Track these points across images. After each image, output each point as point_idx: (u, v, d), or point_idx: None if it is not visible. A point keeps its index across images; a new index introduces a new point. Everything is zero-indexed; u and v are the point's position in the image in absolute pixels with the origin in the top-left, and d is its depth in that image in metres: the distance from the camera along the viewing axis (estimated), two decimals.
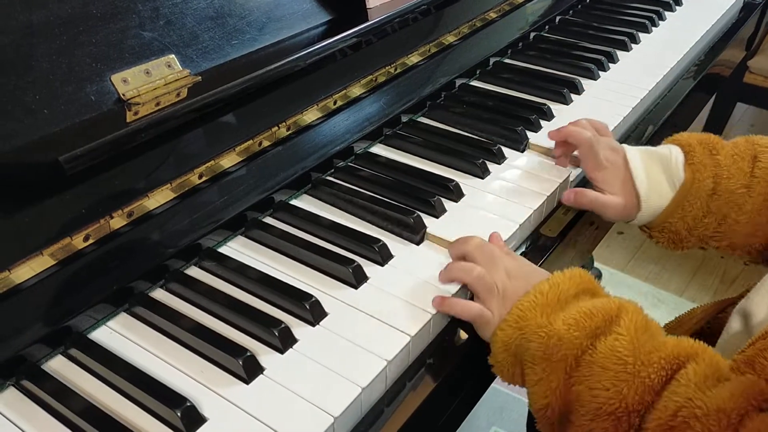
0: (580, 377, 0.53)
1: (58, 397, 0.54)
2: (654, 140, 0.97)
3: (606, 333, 0.53)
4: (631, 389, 0.50)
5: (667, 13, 1.23)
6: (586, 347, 0.53)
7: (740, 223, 0.71)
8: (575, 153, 0.78)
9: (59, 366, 0.57)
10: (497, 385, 0.58)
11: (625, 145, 0.76)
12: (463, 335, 0.63)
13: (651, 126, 0.99)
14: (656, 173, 0.72)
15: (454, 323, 0.63)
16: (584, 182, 0.84)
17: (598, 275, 1.83)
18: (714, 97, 2.03)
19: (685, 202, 0.71)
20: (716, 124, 2.13)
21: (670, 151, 0.73)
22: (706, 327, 0.73)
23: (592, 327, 0.53)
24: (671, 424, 0.48)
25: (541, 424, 0.57)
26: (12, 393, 0.55)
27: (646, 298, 1.80)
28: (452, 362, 0.61)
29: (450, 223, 0.72)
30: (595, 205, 0.74)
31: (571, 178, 0.81)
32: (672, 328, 0.78)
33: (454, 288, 0.63)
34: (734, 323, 0.63)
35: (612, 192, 0.73)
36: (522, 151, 0.85)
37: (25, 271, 0.53)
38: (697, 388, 0.49)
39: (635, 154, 0.74)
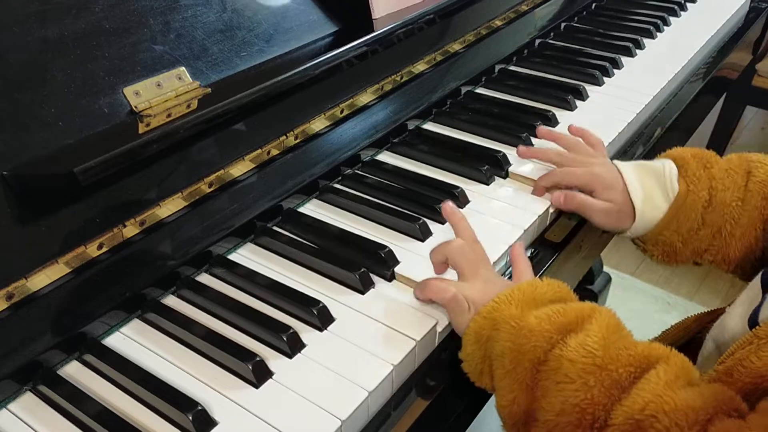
0: (548, 371, 0.52)
1: (73, 401, 0.55)
2: (662, 143, 0.98)
3: (577, 331, 0.53)
4: (598, 381, 0.50)
5: (672, 19, 1.23)
6: (556, 341, 0.53)
7: (735, 237, 0.71)
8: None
9: (74, 371, 0.59)
10: None
11: (615, 161, 0.76)
12: None
13: (659, 129, 1.00)
14: (650, 185, 0.73)
15: None
16: None
17: (608, 280, 1.82)
18: (723, 100, 2.03)
19: (680, 213, 0.71)
20: (726, 128, 2.12)
21: (663, 165, 0.74)
22: (698, 337, 0.73)
23: (563, 323, 0.54)
24: (638, 417, 0.48)
25: (507, 424, 0.57)
26: (29, 398, 0.57)
27: (656, 303, 1.79)
28: (458, 366, 0.62)
29: None
30: (584, 208, 0.74)
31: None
32: (667, 334, 0.78)
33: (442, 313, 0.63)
34: (708, 345, 0.63)
35: (608, 199, 0.73)
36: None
37: (41, 279, 0.55)
38: (667, 386, 0.49)
39: (627, 166, 0.74)
